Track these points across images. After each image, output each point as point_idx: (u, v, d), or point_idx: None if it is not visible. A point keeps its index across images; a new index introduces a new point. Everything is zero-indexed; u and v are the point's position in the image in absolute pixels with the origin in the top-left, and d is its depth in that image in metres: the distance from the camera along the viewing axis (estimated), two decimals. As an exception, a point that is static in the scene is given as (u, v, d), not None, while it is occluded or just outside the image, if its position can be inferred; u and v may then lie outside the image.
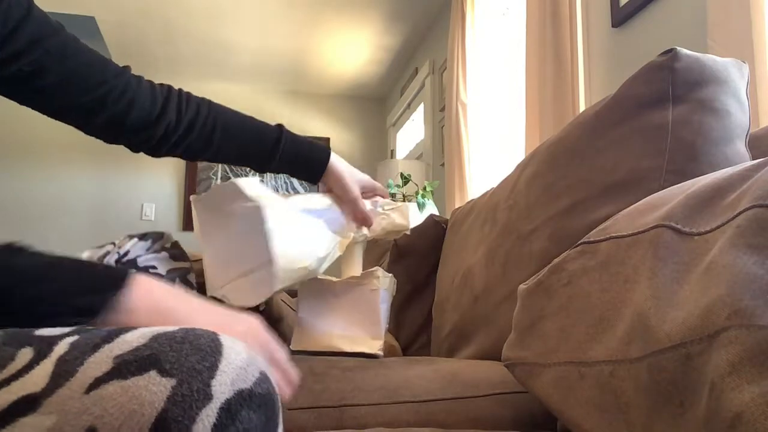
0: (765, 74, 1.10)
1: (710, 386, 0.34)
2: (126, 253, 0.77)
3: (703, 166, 0.70)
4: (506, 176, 1.18)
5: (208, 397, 0.30)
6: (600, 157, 0.82)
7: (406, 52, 3.85)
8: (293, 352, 0.92)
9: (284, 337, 1.10)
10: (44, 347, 0.33)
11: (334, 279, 0.96)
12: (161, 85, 0.75)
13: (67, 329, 0.35)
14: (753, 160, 0.52)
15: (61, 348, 0.32)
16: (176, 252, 0.82)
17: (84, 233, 3.95)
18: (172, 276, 0.77)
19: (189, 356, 0.31)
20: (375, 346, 0.90)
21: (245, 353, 0.34)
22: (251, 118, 0.85)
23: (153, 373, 0.30)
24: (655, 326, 0.41)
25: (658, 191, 0.55)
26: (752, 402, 0.31)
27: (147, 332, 0.33)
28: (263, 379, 0.33)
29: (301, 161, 0.86)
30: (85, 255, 0.74)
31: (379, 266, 1.88)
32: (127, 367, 0.30)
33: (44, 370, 0.31)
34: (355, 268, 1.00)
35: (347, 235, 0.90)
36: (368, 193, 0.95)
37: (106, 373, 0.30)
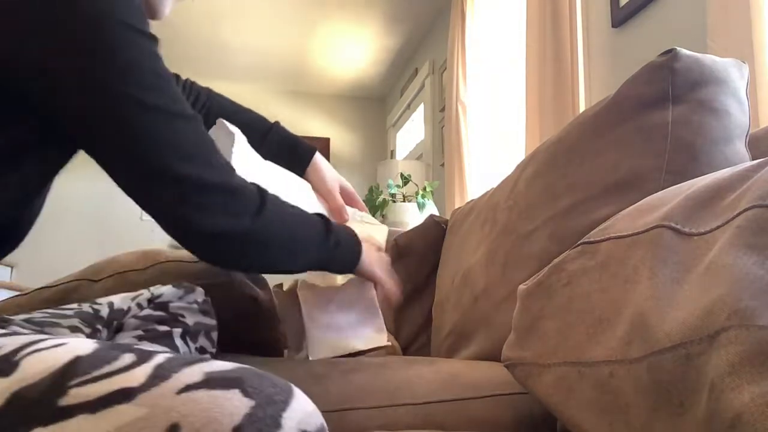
0: (765, 74, 1.10)
1: (710, 386, 0.34)
2: (160, 296, 0.79)
3: (702, 166, 0.70)
4: (506, 176, 1.18)
5: (277, 426, 0.33)
6: (600, 157, 0.82)
7: (406, 52, 3.85)
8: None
9: (286, 337, 1.10)
10: (145, 355, 0.37)
11: (330, 284, 0.98)
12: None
13: (164, 349, 0.39)
14: (753, 160, 0.52)
15: (159, 358, 0.36)
16: (206, 308, 0.84)
17: (84, 233, 3.95)
18: (197, 329, 0.80)
19: (268, 387, 0.35)
20: (383, 339, 0.96)
21: (312, 405, 0.37)
22: (248, 109, 0.92)
23: (237, 391, 0.33)
24: (655, 326, 0.41)
25: (658, 191, 0.54)
26: (752, 402, 0.31)
27: (235, 364, 0.37)
28: (323, 429, 0.37)
29: (289, 150, 0.92)
30: (116, 301, 0.76)
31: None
32: (216, 381, 0.34)
33: (143, 371, 0.35)
34: None
35: None
36: (347, 198, 0.99)
37: (197, 383, 0.33)
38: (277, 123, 0.96)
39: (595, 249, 0.53)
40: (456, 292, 1.21)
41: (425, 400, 0.73)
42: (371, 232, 0.97)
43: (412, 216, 2.58)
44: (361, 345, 0.94)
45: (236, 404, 0.32)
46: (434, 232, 1.52)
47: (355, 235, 0.82)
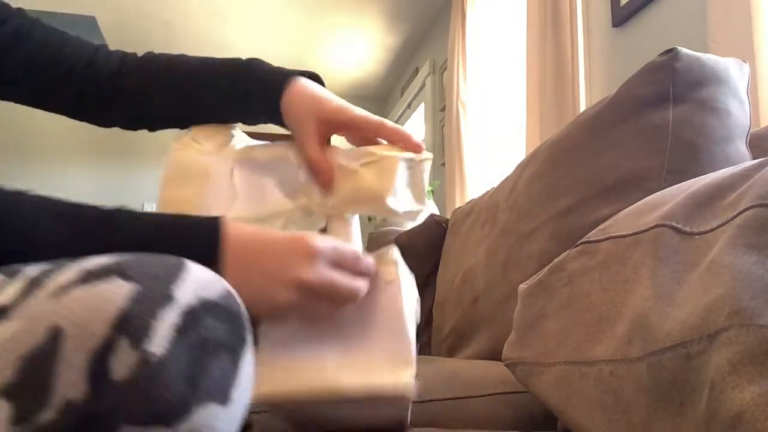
0: (765, 74, 1.10)
1: (710, 386, 0.34)
2: None
3: (703, 165, 0.70)
4: (506, 176, 1.18)
5: (169, 300, 0.31)
6: (600, 157, 0.82)
7: (407, 51, 3.85)
8: (257, 405, 0.49)
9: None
10: (14, 271, 0.34)
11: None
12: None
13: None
14: (753, 159, 0.52)
15: (32, 271, 0.34)
16: None
17: (84, 233, 3.94)
18: None
19: (153, 267, 0.32)
20: (402, 377, 0.48)
21: (210, 273, 0.34)
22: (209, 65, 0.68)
23: (116, 278, 0.31)
24: (656, 326, 0.41)
25: (658, 191, 0.55)
26: (752, 402, 0.31)
27: (117, 255, 0.34)
28: (229, 295, 0.34)
29: (259, 97, 0.62)
30: None
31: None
32: (93, 274, 0.31)
33: (14, 287, 0.32)
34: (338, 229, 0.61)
35: (310, 199, 0.59)
36: (366, 134, 0.60)
37: (72, 281, 0.31)
38: (246, 66, 0.66)
39: (595, 248, 0.53)
40: (456, 291, 1.21)
41: (426, 399, 0.73)
42: (365, 178, 0.58)
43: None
44: (352, 380, 0.48)
45: (117, 290, 0.30)
46: (434, 231, 1.52)
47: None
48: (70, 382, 0.28)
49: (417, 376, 0.49)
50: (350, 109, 0.60)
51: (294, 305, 0.45)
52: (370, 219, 2.78)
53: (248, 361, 0.34)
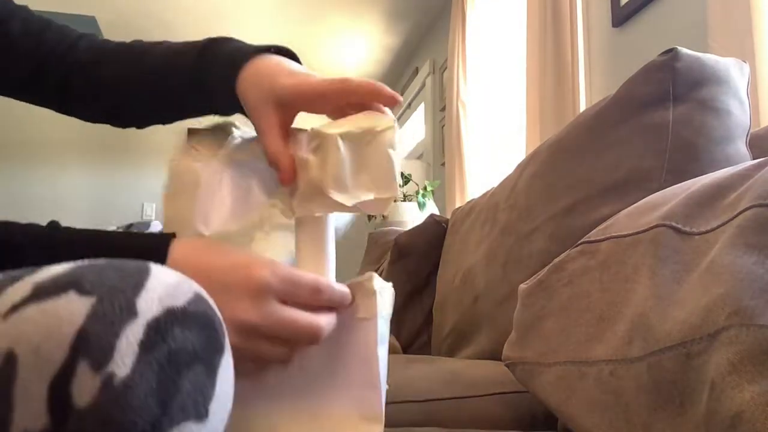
0: (765, 74, 1.10)
1: (710, 385, 0.34)
2: None
3: (703, 165, 0.70)
4: (506, 176, 1.18)
5: (132, 314, 0.28)
6: (600, 157, 0.82)
7: (407, 51, 3.85)
8: None
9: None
10: None
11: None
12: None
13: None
14: (753, 159, 0.52)
15: None
16: None
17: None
18: None
19: (111, 277, 0.29)
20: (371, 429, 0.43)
21: (176, 275, 0.31)
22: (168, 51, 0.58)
23: (71, 293, 0.28)
24: (656, 326, 0.41)
25: (659, 191, 0.55)
26: (752, 401, 0.31)
27: (73, 263, 0.31)
28: (198, 299, 0.31)
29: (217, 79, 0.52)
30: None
31: (378, 267, 1.87)
32: (46, 290, 0.28)
33: None
34: (320, 268, 0.48)
35: (283, 200, 0.50)
36: (336, 102, 0.50)
37: (24, 299, 0.28)
38: (209, 47, 0.54)
39: (595, 248, 0.53)
40: (456, 291, 1.21)
41: (426, 398, 0.73)
42: (312, 166, 0.47)
43: (412, 215, 2.58)
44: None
45: (73, 307, 0.27)
46: (434, 231, 1.52)
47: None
48: (29, 413, 0.26)
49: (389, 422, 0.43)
50: (309, 80, 0.48)
51: (235, 349, 0.35)
52: (370, 218, 2.77)
53: (226, 368, 0.31)
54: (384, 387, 0.45)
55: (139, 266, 0.31)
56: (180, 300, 0.30)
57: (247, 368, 0.39)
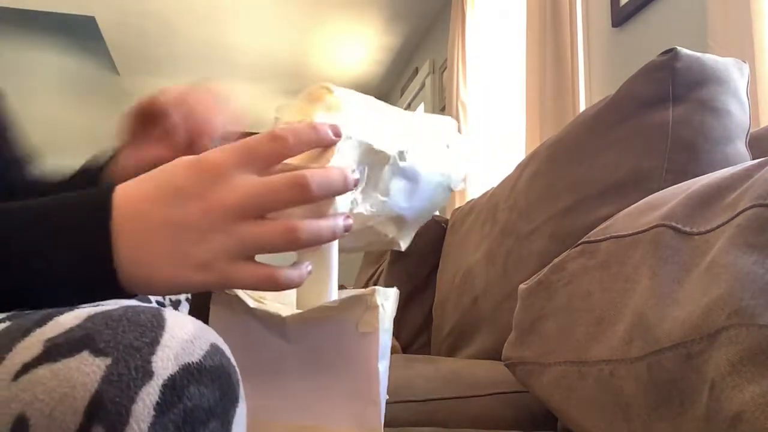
0: (765, 74, 1.10)
1: (710, 385, 0.34)
2: None
3: (703, 165, 0.70)
4: (506, 176, 1.18)
5: (148, 375, 0.27)
6: (600, 157, 0.82)
7: (406, 51, 3.85)
8: None
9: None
10: None
11: (280, 310, 0.46)
12: None
13: (1, 315, 0.32)
14: (753, 159, 0.52)
15: None
16: None
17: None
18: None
19: (126, 333, 0.28)
20: None
21: (192, 326, 0.31)
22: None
23: (85, 354, 0.27)
24: (656, 326, 0.41)
25: (658, 191, 0.55)
26: (752, 401, 0.31)
27: (83, 313, 0.30)
28: (214, 351, 0.30)
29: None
30: None
31: (378, 267, 1.87)
32: (58, 349, 0.28)
33: None
34: (323, 280, 0.45)
35: None
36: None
37: (35, 358, 0.27)
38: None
39: (595, 248, 0.53)
40: (456, 291, 1.21)
41: (426, 398, 0.73)
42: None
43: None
44: None
45: (86, 371, 0.26)
46: (434, 231, 1.52)
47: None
48: None
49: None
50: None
51: (226, 244, 0.34)
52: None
53: (240, 419, 0.31)
54: (384, 400, 0.44)
55: (154, 319, 0.30)
56: (196, 355, 0.29)
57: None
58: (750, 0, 1.12)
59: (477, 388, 0.76)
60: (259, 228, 0.36)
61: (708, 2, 1.24)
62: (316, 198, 0.37)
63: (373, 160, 0.47)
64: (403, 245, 0.56)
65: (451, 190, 0.58)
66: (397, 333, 1.48)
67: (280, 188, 0.36)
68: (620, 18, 1.66)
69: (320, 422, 0.43)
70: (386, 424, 0.44)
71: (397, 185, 0.51)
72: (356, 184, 0.40)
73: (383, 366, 0.44)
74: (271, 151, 0.37)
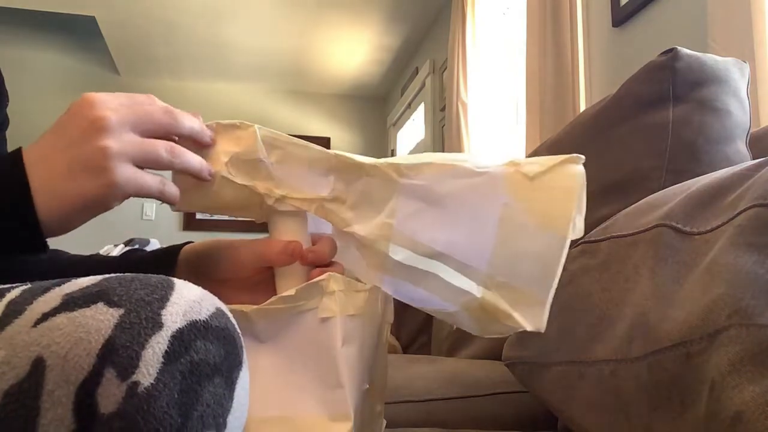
0: (765, 74, 1.10)
1: (710, 385, 0.34)
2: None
3: (703, 165, 0.70)
4: (506, 176, 1.18)
5: (158, 325, 0.29)
6: (601, 157, 0.82)
7: (407, 51, 3.85)
8: None
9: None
10: None
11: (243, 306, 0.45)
12: None
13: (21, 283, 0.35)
14: (753, 159, 0.52)
15: (12, 294, 0.32)
16: None
17: (85, 232, 3.94)
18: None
19: (138, 290, 0.31)
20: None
21: (199, 290, 0.33)
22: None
23: (100, 305, 0.29)
24: (656, 325, 0.41)
25: (659, 191, 0.55)
26: (752, 401, 0.31)
27: (100, 276, 0.33)
28: (220, 314, 0.33)
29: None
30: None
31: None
32: (75, 301, 0.30)
33: None
34: (288, 279, 0.48)
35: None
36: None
37: (54, 308, 0.30)
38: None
39: (595, 248, 0.53)
40: (456, 291, 1.21)
41: (426, 398, 0.73)
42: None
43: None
44: None
45: (101, 318, 0.29)
46: (435, 231, 1.52)
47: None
48: (55, 419, 0.27)
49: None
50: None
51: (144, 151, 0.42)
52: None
53: (243, 382, 0.32)
54: (356, 385, 0.45)
55: (164, 281, 0.32)
56: (203, 314, 0.31)
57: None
58: (750, 0, 1.12)
59: (477, 388, 0.76)
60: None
61: (708, 2, 1.24)
62: (175, 166, 0.44)
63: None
64: (525, 321, 0.45)
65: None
66: (397, 333, 1.48)
67: (157, 148, 0.42)
68: (620, 18, 1.66)
69: (288, 412, 0.44)
70: (387, 425, 0.44)
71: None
72: (211, 174, 0.45)
73: (350, 350, 0.45)
74: (162, 123, 0.43)
